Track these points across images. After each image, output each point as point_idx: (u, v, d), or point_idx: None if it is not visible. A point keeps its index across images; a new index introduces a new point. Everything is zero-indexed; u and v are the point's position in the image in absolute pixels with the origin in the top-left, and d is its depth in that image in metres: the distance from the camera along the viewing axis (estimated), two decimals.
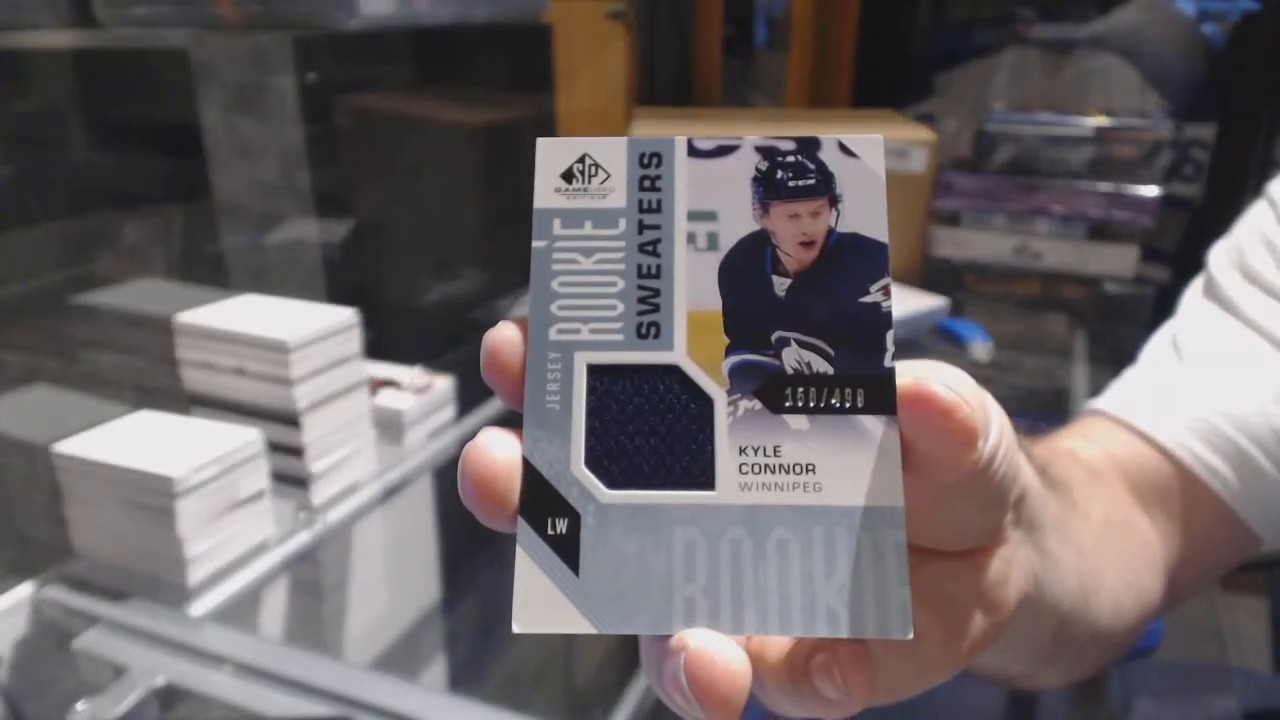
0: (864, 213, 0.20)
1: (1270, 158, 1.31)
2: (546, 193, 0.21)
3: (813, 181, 0.20)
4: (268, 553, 0.72)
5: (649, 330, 0.20)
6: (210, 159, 0.96)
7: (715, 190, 0.20)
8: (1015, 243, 1.23)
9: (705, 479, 0.19)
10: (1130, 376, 0.49)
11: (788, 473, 0.19)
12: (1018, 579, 0.26)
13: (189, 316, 0.77)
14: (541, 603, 0.18)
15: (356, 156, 1.11)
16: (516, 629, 0.18)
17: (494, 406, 0.94)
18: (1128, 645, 0.43)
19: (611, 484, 0.19)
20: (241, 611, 0.68)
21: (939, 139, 1.20)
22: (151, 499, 0.64)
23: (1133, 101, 1.43)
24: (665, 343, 0.20)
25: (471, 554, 0.90)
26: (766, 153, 0.20)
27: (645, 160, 0.21)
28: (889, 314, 0.20)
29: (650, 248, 0.20)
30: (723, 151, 0.21)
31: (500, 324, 0.20)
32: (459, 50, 1.19)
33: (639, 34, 1.39)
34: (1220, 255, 0.50)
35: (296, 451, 0.76)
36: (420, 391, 0.89)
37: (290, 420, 0.75)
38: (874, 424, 0.19)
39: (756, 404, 0.19)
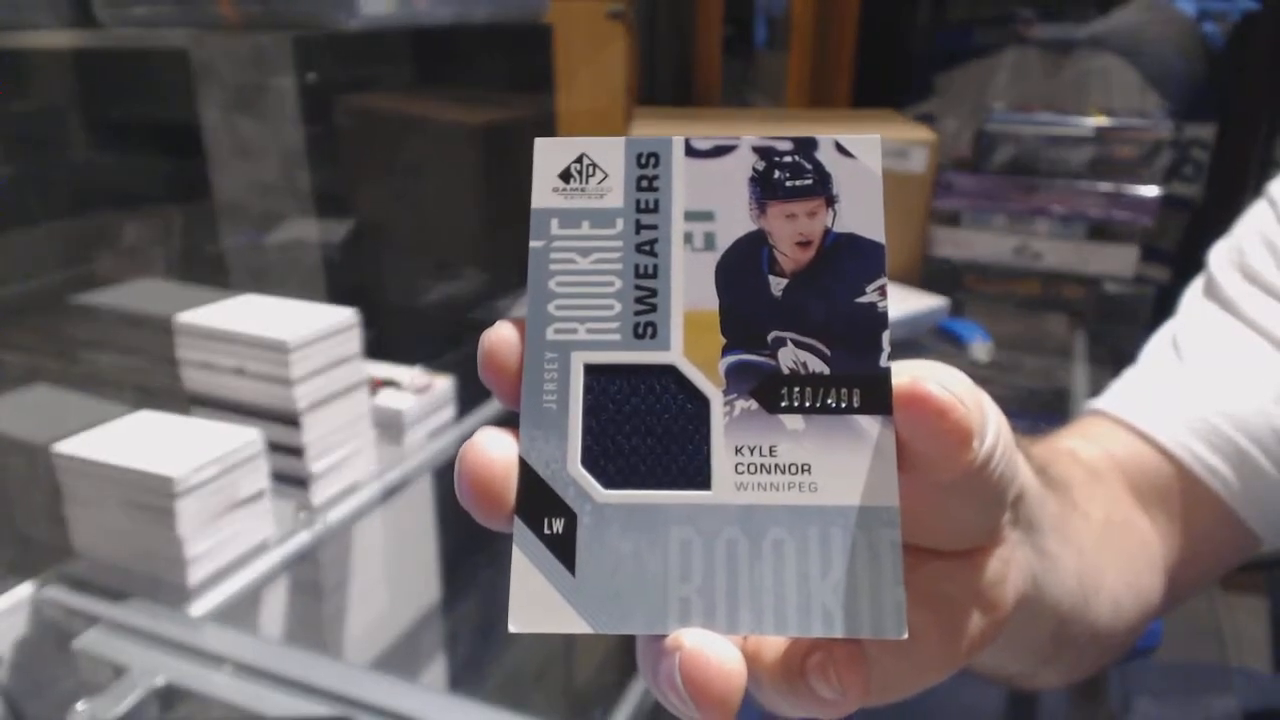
0: (861, 213, 0.20)
1: (1270, 158, 1.31)
2: (544, 193, 0.21)
3: (810, 182, 0.20)
4: (268, 553, 0.72)
5: (646, 330, 0.20)
6: (210, 159, 0.96)
7: (712, 190, 0.20)
8: (1015, 243, 1.23)
9: (701, 479, 0.19)
10: (1130, 376, 0.49)
11: (783, 473, 0.19)
12: (1016, 579, 0.26)
13: (189, 316, 0.77)
14: (538, 602, 0.18)
15: (356, 156, 1.11)
16: (513, 628, 0.18)
17: (494, 407, 0.94)
18: (1128, 645, 0.43)
19: (608, 484, 0.19)
20: (241, 611, 0.69)
21: (939, 139, 1.20)
22: (151, 499, 0.64)
23: (1133, 101, 1.43)
24: (662, 343, 0.20)
25: (471, 554, 0.90)
26: (764, 153, 0.21)
27: (643, 160, 0.21)
28: (885, 314, 0.20)
29: (647, 248, 0.20)
30: (720, 151, 0.21)
31: (498, 324, 0.20)
32: (459, 50, 1.19)
33: (639, 34, 1.39)
34: (1220, 255, 0.49)
35: (296, 451, 0.76)
36: (420, 391, 0.89)
37: (290, 420, 0.75)
38: (870, 424, 0.19)
39: (753, 404, 0.19)
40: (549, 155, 0.21)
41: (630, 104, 1.35)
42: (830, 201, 0.20)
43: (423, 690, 0.65)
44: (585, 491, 0.19)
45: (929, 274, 1.23)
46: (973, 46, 1.61)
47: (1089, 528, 0.37)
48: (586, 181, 0.21)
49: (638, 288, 0.20)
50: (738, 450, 0.19)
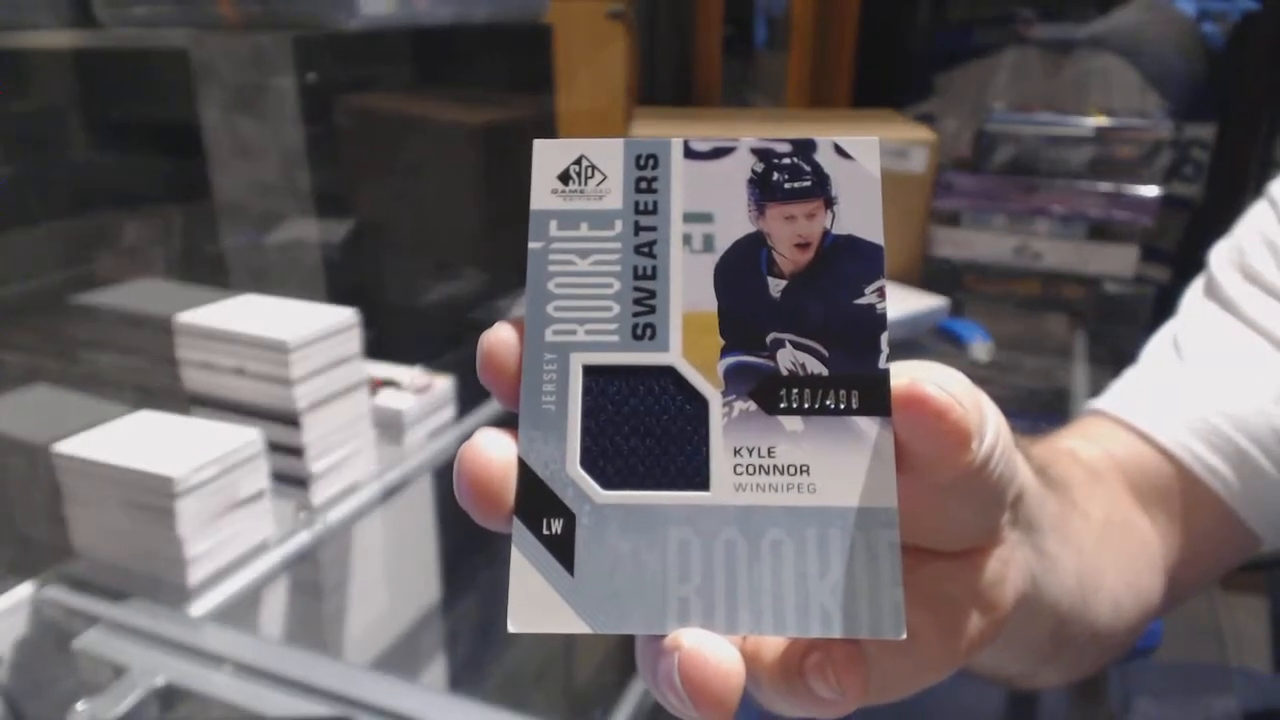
0: (859, 215, 0.20)
1: (1270, 158, 1.31)
2: (543, 194, 0.21)
3: (808, 183, 0.20)
4: (268, 553, 0.72)
5: (644, 331, 0.20)
6: (210, 159, 0.96)
7: (711, 192, 0.20)
8: (1015, 243, 1.23)
9: (700, 480, 0.19)
10: (1130, 376, 0.49)
11: (782, 473, 0.19)
12: (1015, 579, 0.26)
13: (189, 316, 0.77)
14: (537, 602, 0.18)
15: (356, 156, 1.11)
16: (512, 628, 0.18)
17: (494, 407, 0.94)
18: (1127, 645, 0.43)
19: (606, 484, 0.19)
20: (241, 611, 0.69)
21: (939, 139, 1.20)
22: (151, 499, 0.64)
23: (1133, 101, 1.43)
24: (661, 344, 0.20)
25: (471, 554, 0.90)
26: (762, 155, 0.21)
27: (641, 162, 0.21)
28: (884, 315, 0.20)
29: (646, 249, 0.20)
30: (719, 153, 0.21)
31: (497, 325, 0.20)
32: (459, 50, 1.19)
33: (639, 34, 1.39)
34: (1221, 255, 0.49)
35: (296, 451, 0.76)
36: (420, 391, 0.89)
37: (290, 420, 0.75)
38: (868, 425, 0.19)
39: (751, 405, 0.19)
40: (548, 156, 0.21)
41: (630, 104, 1.35)
42: (829, 203, 0.20)
43: (423, 690, 0.65)
44: (584, 492, 0.19)
45: (929, 274, 1.23)
46: (973, 46, 1.61)
47: (1089, 528, 0.37)
48: (585, 183, 0.21)
49: (636, 289, 0.20)
50: (736, 451, 0.19)
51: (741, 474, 0.19)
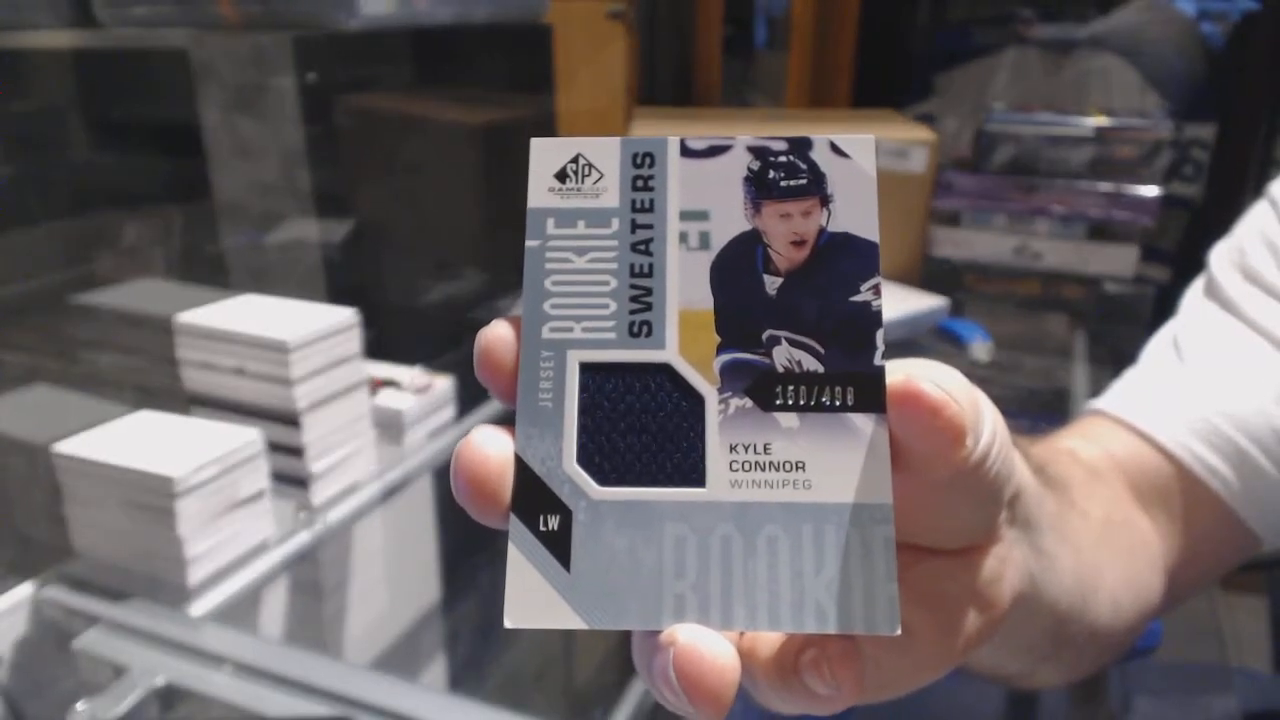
0: (855, 212, 0.20)
1: (1270, 158, 1.31)
2: (540, 192, 0.21)
3: (804, 181, 0.20)
4: (268, 553, 0.72)
5: (641, 329, 0.20)
6: (210, 159, 0.96)
7: (707, 190, 0.20)
8: (1015, 243, 1.23)
9: (696, 476, 0.19)
10: (1131, 376, 0.49)
11: (778, 470, 0.19)
12: (1012, 577, 0.26)
13: (189, 316, 0.77)
14: (533, 598, 0.19)
15: (356, 156, 1.11)
16: (508, 624, 0.18)
17: (493, 407, 0.94)
18: (1127, 645, 0.43)
19: (603, 481, 0.19)
20: (241, 611, 0.69)
21: (939, 139, 1.20)
22: (151, 499, 0.64)
23: (1133, 101, 1.43)
24: (657, 341, 0.20)
25: (471, 554, 0.90)
26: (758, 153, 0.21)
27: (638, 160, 0.21)
28: (879, 313, 0.20)
29: (643, 247, 0.20)
30: (715, 151, 0.21)
31: (494, 322, 0.20)
32: (459, 50, 1.19)
33: (639, 34, 1.39)
34: (1221, 255, 0.50)
35: (296, 451, 0.76)
36: (420, 391, 0.89)
37: (290, 420, 0.75)
38: (864, 422, 0.19)
39: (747, 402, 0.19)
40: (545, 155, 0.21)
41: (630, 104, 1.35)
42: (825, 201, 0.20)
43: (423, 690, 0.65)
44: (580, 489, 0.19)
45: (929, 274, 1.23)
46: (973, 46, 1.61)
47: (1088, 527, 0.37)
48: (582, 181, 0.21)
49: (633, 287, 0.20)
50: (732, 448, 0.19)
51: (737, 470, 0.19)
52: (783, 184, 0.20)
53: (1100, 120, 1.21)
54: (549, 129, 1.30)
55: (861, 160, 0.20)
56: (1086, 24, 1.54)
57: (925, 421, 0.19)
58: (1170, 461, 0.44)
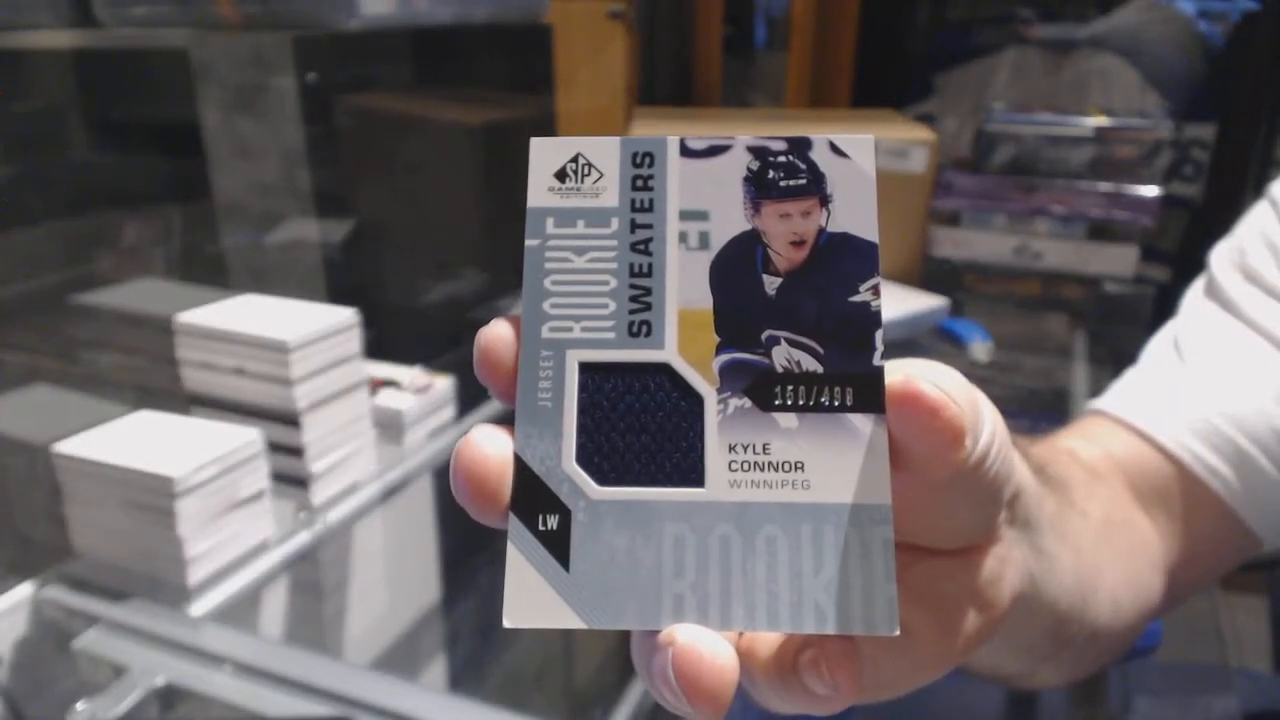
0: (855, 212, 0.20)
1: (1270, 158, 1.31)
2: (540, 192, 0.21)
3: (804, 181, 0.20)
4: (268, 553, 0.72)
5: (640, 329, 0.20)
6: (210, 159, 0.96)
7: (707, 190, 0.20)
8: (1015, 243, 1.23)
9: (695, 476, 0.19)
10: (1131, 377, 0.49)
11: (777, 470, 0.19)
12: (1012, 577, 0.26)
13: (189, 316, 0.77)
14: (532, 598, 0.19)
15: (356, 156, 1.11)
16: (507, 624, 0.18)
17: (493, 407, 0.94)
18: (1127, 645, 0.43)
19: (602, 481, 0.19)
20: (241, 611, 0.69)
21: (939, 139, 1.20)
22: (151, 499, 0.64)
23: (1133, 101, 1.43)
24: (656, 341, 0.20)
25: (471, 554, 0.90)
26: (758, 152, 0.21)
27: (638, 160, 0.21)
28: (878, 313, 0.20)
29: (642, 246, 0.20)
30: (715, 151, 0.21)
31: (493, 322, 0.20)
32: (459, 50, 1.19)
33: (639, 34, 1.39)
34: (1221, 255, 0.49)
35: (296, 451, 0.76)
36: (420, 391, 0.89)
37: (290, 420, 0.75)
38: (863, 422, 0.19)
39: (746, 402, 0.19)
40: (544, 154, 0.21)
41: (630, 104, 1.35)
42: (824, 201, 0.20)
43: (423, 690, 0.65)
44: (579, 488, 0.19)
45: (929, 274, 1.23)
46: (973, 46, 1.61)
47: (1087, 527, 0.37)
48: (582, 181, 0.21)
49: (632, 286, 0.20)
50: (731, 448, 0.19)
51: (736, 470, 0.19)
52: (782, 184, 0.20)
53: (1100, 120, 1.21)
54: (549, 129, 1.30)
55: (861, 160, 0.20)
56: (1086, 24, 1.54)
57: (924, 422, 0.19)
58: (1170, 462, 0.44)
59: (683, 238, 0.20)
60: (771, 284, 0.20)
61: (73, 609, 0.67)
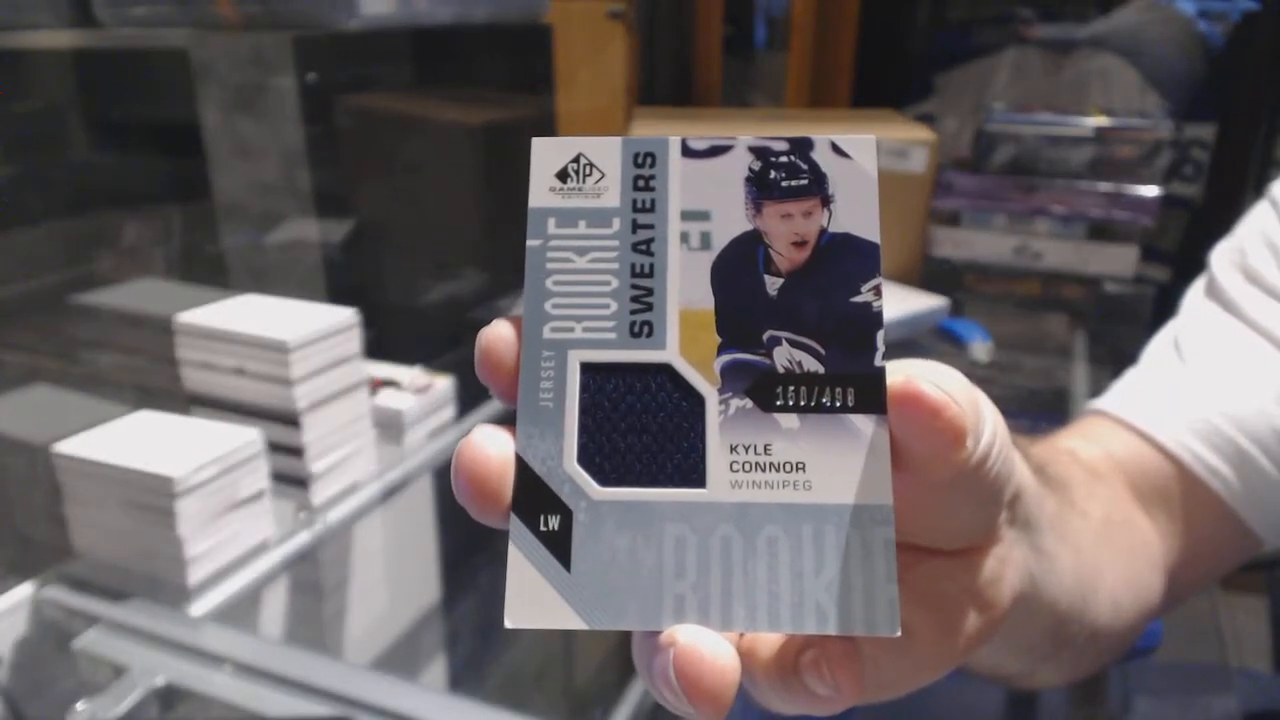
0: (856, 213, 0.20)
1: (1270, 158, 1.31)
2: (541, 192, 0.21)
3: (805, 182, 0.20)
4: (268, 553, 0.72)
5: (642, 329, 0.20)
6: (210, 159, 0.96)
7: (708, 190, 0.20)
8: (1015, 243, 1.23)
9: (696, 476, 0.19)
10: (1131, 377, 0.49)
11: (778, 471, 0.19)
12: (1012, 577, 0.26)
13: (189, 316, 0.77)
14: (533, 598, 0.19)
15: (356, 156, 1.11)
16: (508, 624, 0.18)
17: (494, 407, 0.94)
18: (1127, 645, 0.43)
19: (603, 481, 0.19)
20: (241, 611, 0.69)
21: (939, 139, 1.20)
22: (151, 499, 0.64)
23: (1133, 101, 1.43)
24: (658, 341, 0.20)
25: (471, 554, 0.90)
26: (760, 153, 0.21)
27: (639, 160, 0.21)
28: (880, 314, 0.20)
29: (644, 247, 0.20)
30: (716, 151, 0.21)
31: (495, 322, 0.20)
32: (459, 50, 1.19)
33: (639, 34, 1.39)
34: (1222, 256, 0.50)
35: (296, 451, 0.76)
36: (420, 391, 0.89)
37: (290, 420, 0.75)
38: (864, 423, 0.19)
39: (748, 402, 0.19)
40: (546, 155, 0.21)
41: (630, 104, 1.35)
42: (826, 201, 0.20)
43: (423, 690, 0.65)
44: (580, 489, 0.19)
45: (929, 274, 1.23)
46: (973, 46, 1.61)
47: (1088, 527, 0.37)
48: (583, 181, 0.21)
49: (634, 287, 0.20)
50: (732, 448, 0.19)
51: (738, 471, 0.19)
52: (784, 184, 0.20)
53: (1100, 120, 1.21)
54: (549, 129, 1.30)
55: (862, 160, 0.20)
56: (1086, 24, 1.54)
57: (925, 422, 0.19)
58: (1171, 462, 0.44)
59: (684, 238, 0.20)
60: (773, 284, 0.20)
61: (73, 609, 0.66)
